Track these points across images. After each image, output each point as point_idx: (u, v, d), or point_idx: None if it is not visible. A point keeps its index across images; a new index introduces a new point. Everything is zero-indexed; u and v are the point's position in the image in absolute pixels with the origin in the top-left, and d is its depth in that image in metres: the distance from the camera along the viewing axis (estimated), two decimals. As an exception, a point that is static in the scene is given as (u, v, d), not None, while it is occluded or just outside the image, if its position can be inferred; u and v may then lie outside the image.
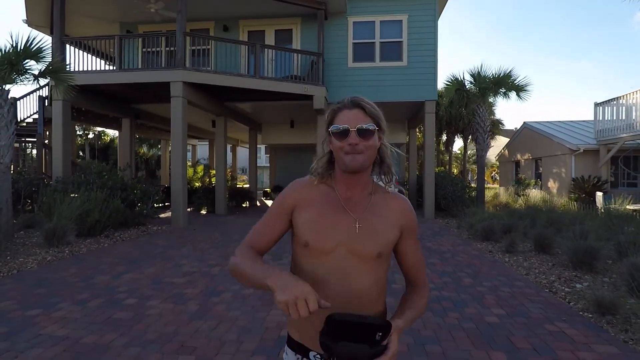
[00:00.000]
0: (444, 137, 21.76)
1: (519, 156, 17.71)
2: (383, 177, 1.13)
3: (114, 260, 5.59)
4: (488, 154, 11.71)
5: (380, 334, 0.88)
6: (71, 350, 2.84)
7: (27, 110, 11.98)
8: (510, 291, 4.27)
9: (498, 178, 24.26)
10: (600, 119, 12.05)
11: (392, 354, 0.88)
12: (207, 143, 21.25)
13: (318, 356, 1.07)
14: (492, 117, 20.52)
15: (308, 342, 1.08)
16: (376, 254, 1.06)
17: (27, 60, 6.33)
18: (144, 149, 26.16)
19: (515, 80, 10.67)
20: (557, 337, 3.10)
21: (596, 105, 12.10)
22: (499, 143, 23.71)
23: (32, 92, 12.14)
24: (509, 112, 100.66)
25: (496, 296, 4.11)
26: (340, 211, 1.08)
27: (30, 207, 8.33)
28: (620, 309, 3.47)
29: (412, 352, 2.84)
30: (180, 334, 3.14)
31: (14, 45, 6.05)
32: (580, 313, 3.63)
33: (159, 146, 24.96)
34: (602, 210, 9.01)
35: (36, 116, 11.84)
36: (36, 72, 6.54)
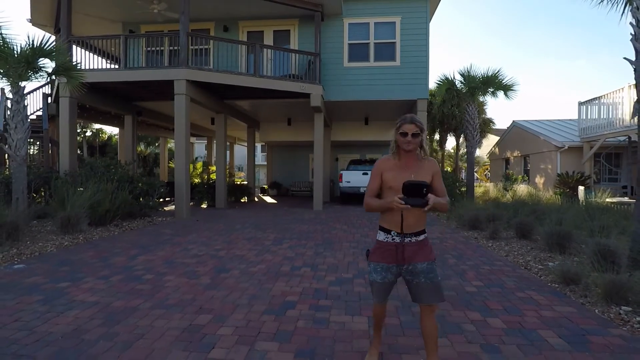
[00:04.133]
0: (437, 136, 22.29)
1: (508, 153, 18.30)
2: (423, 153, 2.22)
3: (126, 245, 6.00)
4: (481, 153, 12.21)
5: (425, 189, 1.94)
6: (104, 311, 3.27)
7: (30, 108, 12.32)
8: (489, 269, 4.76)
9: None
10: (584, 117, 12.63)
11: (432, 202, 1.96)
12: (205, 141, 21.61)
13: (395, 232, 2.17)
14: (483, 116, 21.09)
15: (392, 225, 2.17)
16: None
17: (41, 59, 6.71)
18: (142, 147, 26.46)
19: (502, 80, 11.19)
20: (526, 302, 3.59)
21: (580, 104, 12.68)
22: (491, 142, 24.32)
23: (35, 89, 12.48)
24: (504, 111, 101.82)
25: (476, 272, 4.59)
26: (403, 170, 2.17)
27: (40, 200, 8.69)
28: (582, 279, 3.96)
29: (400, 312, 3.31)
30: (198, 300, 3.58)
31: (30, 44, 6.43)
32: (549, 284, 4.12)
33: (157, 144, 25.31)
34: (583, 203, 9.56)
35: (39, 113, 12.19)
36: (50, 70, 6.92)
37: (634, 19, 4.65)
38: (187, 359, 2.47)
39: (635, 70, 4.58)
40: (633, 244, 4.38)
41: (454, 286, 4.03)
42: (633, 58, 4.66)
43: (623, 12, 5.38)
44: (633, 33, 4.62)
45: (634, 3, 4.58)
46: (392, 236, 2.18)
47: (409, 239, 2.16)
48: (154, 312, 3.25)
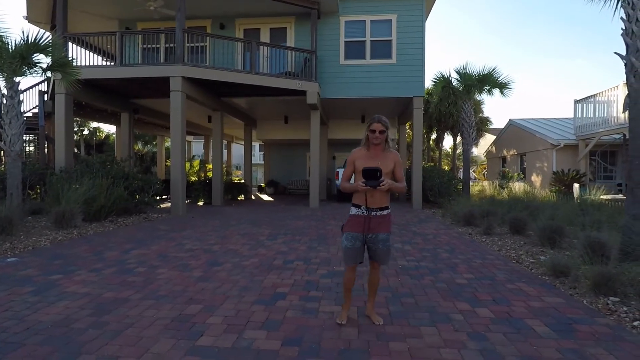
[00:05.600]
0: (434, 135, 22.32)
1: (505, 152, 18.34)
2: (387, 146, 2.77)
3: (120, 240, 6.01)
4: (479, 152, 12.24)
5: (379, 172, 2.51)
6: (95, 302, 3.28)
7: (26, 104, 12.30)
8: (481, 262, 4.78)
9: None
10: (580, 115, 12.68)
11: (386, 184, 2.51)
12: (203, 140, 21.60)
13: (364, 207, 2.71)
14: (480, 115, 21.12)
15: (361, 202, 2.73)
16: (387, 172, 2.69)
17: (36, 55, 6.70)
18: (139, 146, 26.41)
19: (498, 78, 11.22)
20: (515, 293, 3.61)
21: (576, 102, 12.72)
22: (488, 141, 24.36)
23: (31, 87, 12.47)
24: (503, 110, 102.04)
25: (468, 266, 4.61)
26: (371, 158, 2.72)
27: (36, 196, 8.68)
28: (572, 271, 3.99)
29: (390, 302, 3.32)
30: (189, 291, 3.59)
31: (25, 40, 6.43)
32: (539, 277, 4.15)
33: (155, 143, 25.28)
34: (578, 200, 9.59)
35: (35, 110, 12.18)
36: (44, 66, 6.91)
37: (625, 14, 4.68)
38: (174, 346, 2.48)
39: (625, 64, 4.61)
40: (624, 237, 4.41)
41: (446, 279, 4.05)
42: (624, 53, 4.69)
43: (616, 7, 5.40)
44: (624, 27, 4.65)
45: (625, -2, 4.60)
46: (362, 210, 2.73)
47: (375, 212, 2.72)
48: (145, 303, 3.26)
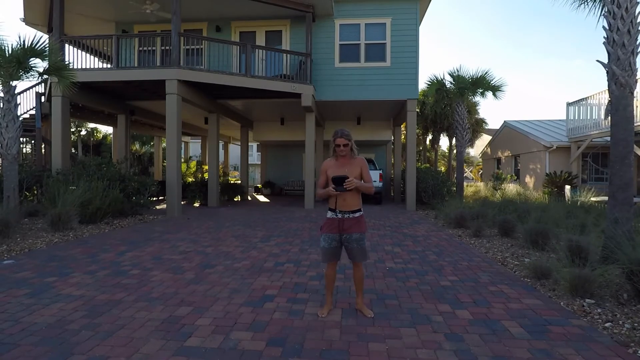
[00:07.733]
0: (430, 136, 22.45)
1: (500, 153, 18.50)
2: (353, 153, 3.15)
3: (115, 242, 6.11)
4: (475, 152, 12.34)
5: (346, 179, 2.91)
6: (88, 304, 3.39)
7: (23, 106, 12.37)
8: (467, 264, 4.91)
9: (482, 175, 25.01)
10: (572, 117, 12.83)
11: (351, 185, 2.91)
12: (200, 141, 21.69)
13: (338, 210, 3.07)
14: (476, 116, 21.28)
15: (334, 206, 3.09)
16: (356, 176, 3.06)
17: (32, 59, 6.79)
18: (137, 146, 26.45)
19: (491, 80, 11.36)
20: (496, 295, 3.73)
21: (568, 104, 12.87)
22: (484, 142, 24.50)
23: (28, 88, 12.54)
24: (504, 111, 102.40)
25: (454, 268, 4.73)
26: (340, 167, 3.10)
27: (32, 198, 8.77)
28: (552, 274, 4.12)
29: (374, 304, 3.44)
30: (180, 293, 3.70)
31: (22, 44, 6.52)
32: (522, 279, 4.28)
33: (152, 143, 25.33)
34: (569, 202, 9.74)
35: (32, 112, 12.25)
36: (41, 70, 7.01)
37: (607, 23, 4.81)
38: (163, 347, 2.60)
39: (607, 72, 4.73)
40: (605, 240, 4.54)
41: (430, 281, 4.17)
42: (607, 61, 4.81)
43: (600, 16, 5.54)
44: (606, 36, 4.78)
45: (606, 7, 4.73)
46: (336, 213, 3.08)
47: (347, 215, 3.07)
48: (137, 305, 3.37)
